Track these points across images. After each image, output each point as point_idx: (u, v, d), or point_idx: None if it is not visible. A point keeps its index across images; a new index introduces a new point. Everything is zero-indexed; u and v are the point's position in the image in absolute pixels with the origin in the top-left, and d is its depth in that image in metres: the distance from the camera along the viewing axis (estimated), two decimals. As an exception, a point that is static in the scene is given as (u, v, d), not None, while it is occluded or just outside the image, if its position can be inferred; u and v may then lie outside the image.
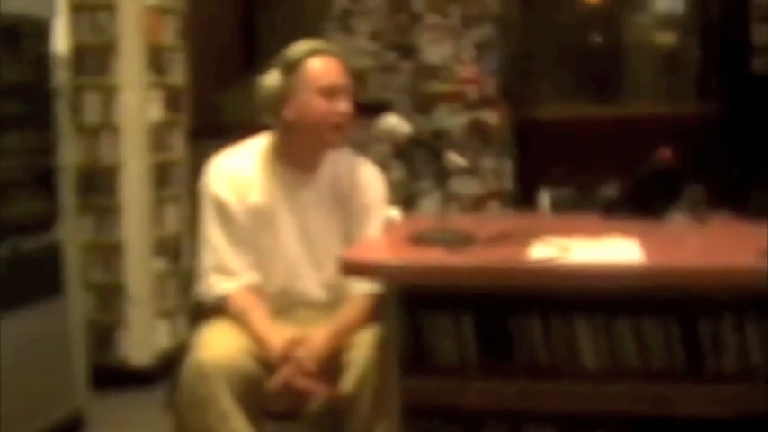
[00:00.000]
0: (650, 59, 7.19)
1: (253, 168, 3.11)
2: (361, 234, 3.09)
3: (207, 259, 3.08)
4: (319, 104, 3.02)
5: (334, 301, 3.07)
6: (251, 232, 3.07)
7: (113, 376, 4.98)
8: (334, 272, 2.94)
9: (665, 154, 3.21)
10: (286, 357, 2.89)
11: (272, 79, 3.05)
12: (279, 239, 3.09)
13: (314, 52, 3.06)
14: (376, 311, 2.96)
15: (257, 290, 3.06)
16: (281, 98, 3.03)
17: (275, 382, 2.88)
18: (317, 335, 2.94)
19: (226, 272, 3.05)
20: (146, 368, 5.13)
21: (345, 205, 3.12)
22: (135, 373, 5.11)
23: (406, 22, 6.46)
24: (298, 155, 3.10)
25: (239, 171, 3.10)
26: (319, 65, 3.04)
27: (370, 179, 3.17)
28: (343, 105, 3.05)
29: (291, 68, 3.04)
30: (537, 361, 2.65)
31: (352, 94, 3.08)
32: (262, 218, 3.08)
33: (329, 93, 3.02)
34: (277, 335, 2.93)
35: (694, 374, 2.58)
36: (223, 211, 3.06)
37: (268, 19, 7.03)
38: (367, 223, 3.11)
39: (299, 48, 3.07)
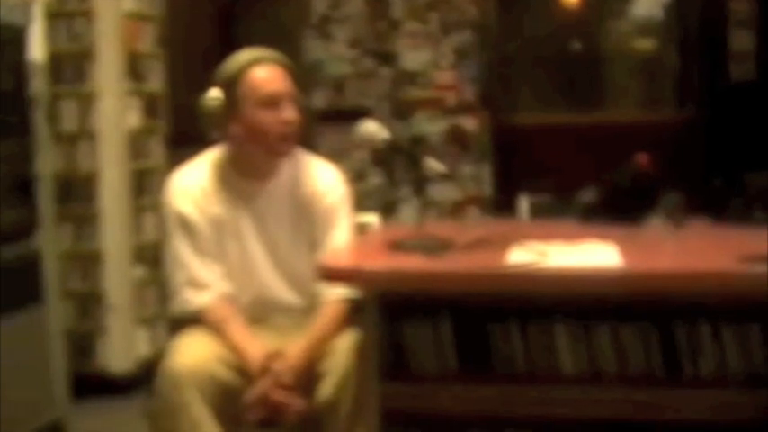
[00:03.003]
0: (629, 66, 7.20)
1: (210, 181, 3.08)
2: (327, 239, 3.06)
3: (178, 275, 3.06)
4: (263, 116, 2.98)
5: (309, 307, 3.05)
6: (217, 243, 3.05)
7: (93, 384, 4.96)
8: (305, 278, 2.95)
9: (641, 159, 3.22)
10: (264, 370, 2.88)
11: (213, 96, 2.99)
12: (244, 249, 3.07)
13: (252, 63, 3.00)
14: (350, 317, 2.96)
15: (232, 299, 3.04)
16: (224, 115, 2.99)
17: (252, 394, 2.86)
18: (293, 347, 2.92)
19: (198, 285, 3.03)
20: (126, 376, 5.12)
21: (307, 211, 3.08)
22: (115, 381, 5.10)
23: (384, 28, 6.45)
24: (250, 165, 3.07)
25: (197, 184, 3.08)
26: (258, 75, 2.99)
27: (329, 182, 3.13)
28: (288, 113, 3.00)
29: (231, 83, 2.99)
30: (515, 367, 2.65)
31: (297, 99, 3.03)
32: (225, 228, 3.06)
33: (271, 102, 2.98)
34: (255, 346, 2.92)
35: (672, 380, 2.58)
36: (187, 226, 3.04)
37: (247, 26, 7.01)
38: (331, 227, 3.07)
39: (236, 61, 3.02)
